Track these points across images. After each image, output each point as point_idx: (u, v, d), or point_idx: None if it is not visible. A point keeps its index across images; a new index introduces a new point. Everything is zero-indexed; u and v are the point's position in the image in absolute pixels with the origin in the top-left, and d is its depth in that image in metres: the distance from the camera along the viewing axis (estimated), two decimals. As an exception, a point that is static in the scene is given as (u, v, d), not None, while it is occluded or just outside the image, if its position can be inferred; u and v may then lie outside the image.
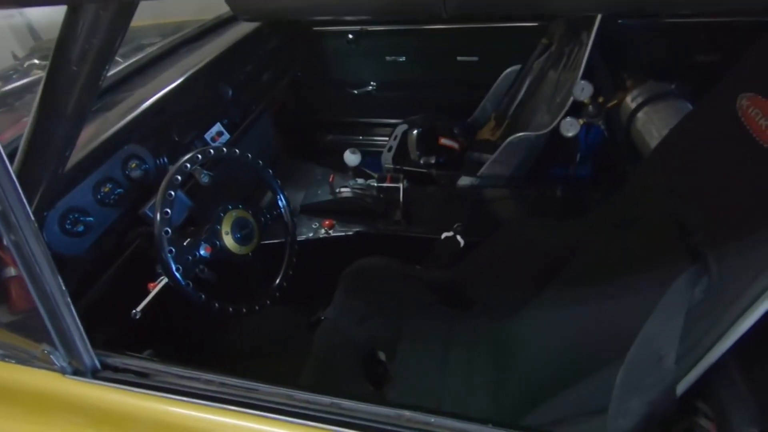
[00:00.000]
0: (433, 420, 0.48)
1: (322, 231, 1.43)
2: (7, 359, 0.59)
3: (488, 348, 1.14)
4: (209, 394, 0.53)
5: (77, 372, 0.56)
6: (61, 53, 0.44)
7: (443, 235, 1.35)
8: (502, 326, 1.17)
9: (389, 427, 0.48)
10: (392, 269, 1.29)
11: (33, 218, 0.46)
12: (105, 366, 0.58)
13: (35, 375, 0.58)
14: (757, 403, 0.59)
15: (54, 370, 0.57)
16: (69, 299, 0.52)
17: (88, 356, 0.56)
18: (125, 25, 0.44)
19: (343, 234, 1.43)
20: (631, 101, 1.16)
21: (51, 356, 0.55)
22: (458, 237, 1.34)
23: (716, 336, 0.56)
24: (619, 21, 1.41)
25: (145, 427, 0.53)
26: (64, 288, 0.52)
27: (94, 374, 0.57)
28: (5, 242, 0.45)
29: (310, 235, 1.43)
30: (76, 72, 0.45)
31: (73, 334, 0.54)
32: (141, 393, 0.54)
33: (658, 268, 0.73)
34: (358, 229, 1.43)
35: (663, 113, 1.04)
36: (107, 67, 0.47)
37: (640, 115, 1.10)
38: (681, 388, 0.61)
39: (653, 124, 1.03)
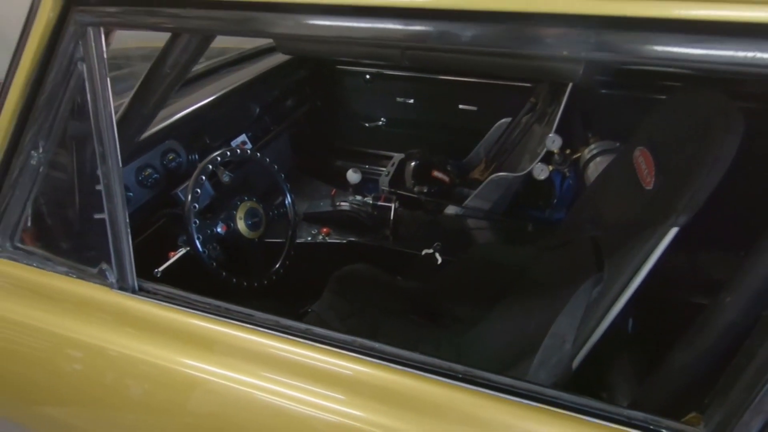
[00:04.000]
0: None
1: (320, 237, 1.64)
2: (69, 274, 0.79)
3: (449, 353, 1.31)
4: (230, 314, 0.71)
5: (122, 288, 0.76)
6: (162, 60, 0.67)
7: (423, 252, 1.55)
8: (463, 335, 1.34)
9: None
10: (376, 277, 1.47)
11: (120, 167, 0.67)
12: (141, 288, 0.77)
13: (89, 287, 0.77)
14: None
15: (105, 285, 0.76)
16: (129, 230, 0.73)
17: (132, 277, 0.76)
18: (204, 49, 0.67)
19: (337, 241, 1.63)
20: (587, 153, 1.39)
21: (106, 273, 0.75)
22: (437, 255, 1.53)
23: (597, 322, 0.75)
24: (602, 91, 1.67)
25: (174, 333, 0.71)
26: (127, 221, 0.72)
27: (134, 291, 0.76)
28: (102, 182, 0.66)
29: (309, 239, 1.63)
30: (167, 74, 0.68)
31: (125, 258, 0.74)
32: (170, 306, 0.73)
33: (579, 279, 0.92)
34: (351, 239, 1.63)
35: (605, 164, 1.26)
36: (186, 76, 0.70)
37: (591, 165, 1.32)
38: (575, 363, 0.79)
39: (597, 173, 1.25)
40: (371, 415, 0.62)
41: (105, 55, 0.61)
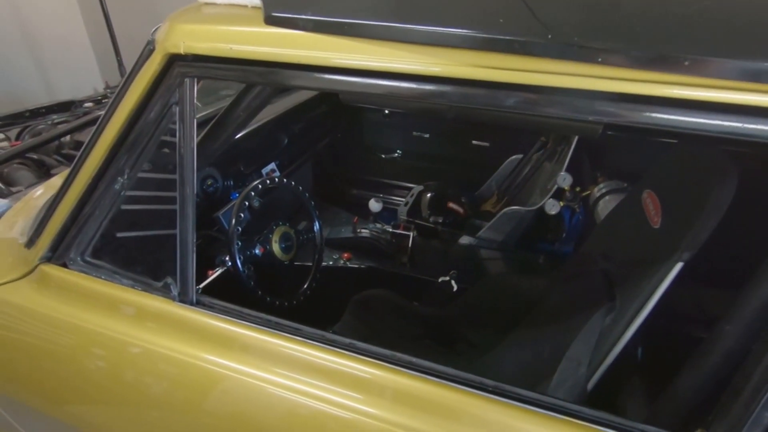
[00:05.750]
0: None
1: (341, 261, 1.72)
2: (134, 286, 0.88)
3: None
4: (280, 327, 0.80)
5: (183, 300, 0.84)
6: (235, 104, 0.78)
7: (440, 279, 1.63)
8: (477, 360, 1.41)
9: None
10: (394, 302, 1.54)
11: (195, 192, 0.77)
12: (199, 301, 0.86)
13: (152, 299, 0.86)
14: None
15: (167, 297, 0.85)
16: (195, 249, 0.82)
17: (192, 291, 0.85)
18: (273, 96, 0.79)
19: (357, 266, 1.72)
20: (596, 192, 1.50)
21: (170, 286, 0.84)
22: (452, 282, 1.61)
23: (610, 348, 0.83)
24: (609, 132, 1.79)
25: (230, 342, 0.80)
26: (194, 240, 0.82)
27: (192, 304, 0.85)
28: (179, 207, 0.76)
29: (330, 263, 1.72)
30: (240, 116, 0.79)
31: (188, 274, 0.83)
32: (224, 318, 0.82)
33: (593, 308, 1.00)
34: (370, 265, 1.72)
35: (614, 203, 1.36)
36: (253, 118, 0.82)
37: (600, 203, 1.42)
38: (590, 385, 0.86)
39: (607, 210, 1.35)
40: (410, 421, 0.69)
41: (194, 100, 0.72)
